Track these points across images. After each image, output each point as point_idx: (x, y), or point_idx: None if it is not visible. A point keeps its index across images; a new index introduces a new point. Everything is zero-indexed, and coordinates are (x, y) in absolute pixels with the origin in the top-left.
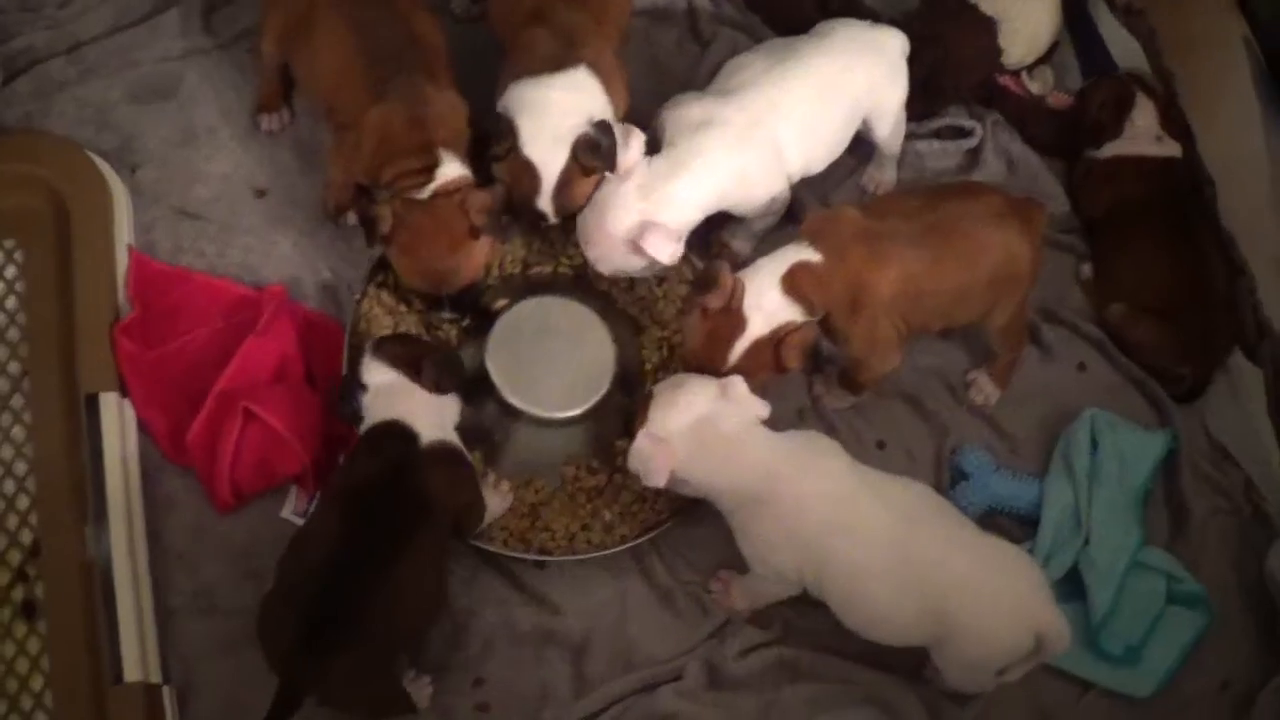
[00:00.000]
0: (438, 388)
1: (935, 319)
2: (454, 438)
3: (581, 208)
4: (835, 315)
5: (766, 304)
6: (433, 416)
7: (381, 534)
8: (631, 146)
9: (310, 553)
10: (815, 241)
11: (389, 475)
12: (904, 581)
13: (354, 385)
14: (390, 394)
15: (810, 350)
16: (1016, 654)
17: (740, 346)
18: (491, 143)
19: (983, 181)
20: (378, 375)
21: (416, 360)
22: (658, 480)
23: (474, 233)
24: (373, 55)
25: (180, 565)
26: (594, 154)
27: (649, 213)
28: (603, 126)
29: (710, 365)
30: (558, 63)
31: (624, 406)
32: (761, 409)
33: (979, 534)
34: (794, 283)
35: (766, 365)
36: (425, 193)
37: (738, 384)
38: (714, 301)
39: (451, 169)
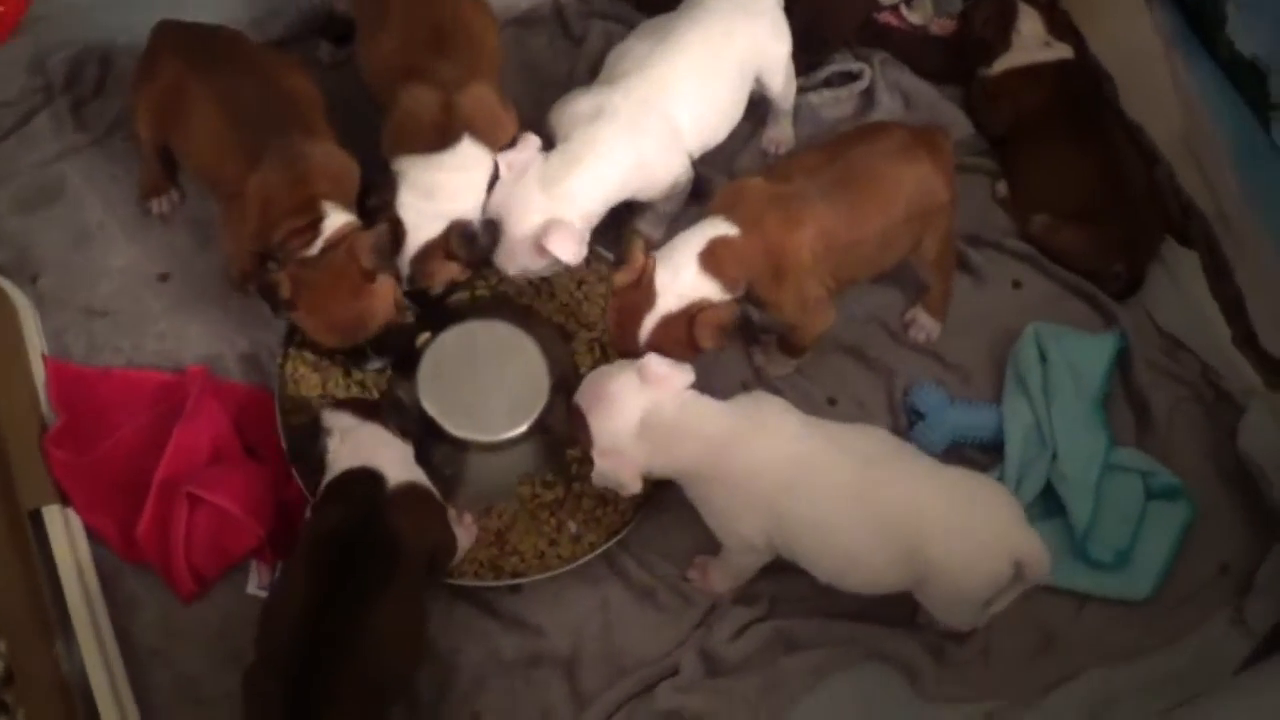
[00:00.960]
0: (402, 432)
1: (863, 268)
2: (420, 476)
3: (434, 287)
4: (760, 286)
5: (681, 281)
6: (396, 457)
7: (354, 582)
8: (526, 146)
9: (284, 615)
10: (729, 214)
11: (357, 520)
12: (872, 527)
13: (317, 429)
14: (355, 438)
15: (726, 330)
16: (998, 583)
17: (650, 323)
18: (371, 194)
19: (880, 121)
20: (340, 420)
21: (374, 407)
22: (633, 487)
23: (369, 275)
24: (243, 122)
25: (156, 662)
26: (466, 245)
27: (552, 210)
28: (488, 226)
29: (624, 343)
30: (442, 134)
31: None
32: (684, 376)
33: (941, 468)
34: (713, 258)
35: (681, 343)
36: (315, 248)
37: (651, 363)
38: (623, 277)
39: (336, 219)
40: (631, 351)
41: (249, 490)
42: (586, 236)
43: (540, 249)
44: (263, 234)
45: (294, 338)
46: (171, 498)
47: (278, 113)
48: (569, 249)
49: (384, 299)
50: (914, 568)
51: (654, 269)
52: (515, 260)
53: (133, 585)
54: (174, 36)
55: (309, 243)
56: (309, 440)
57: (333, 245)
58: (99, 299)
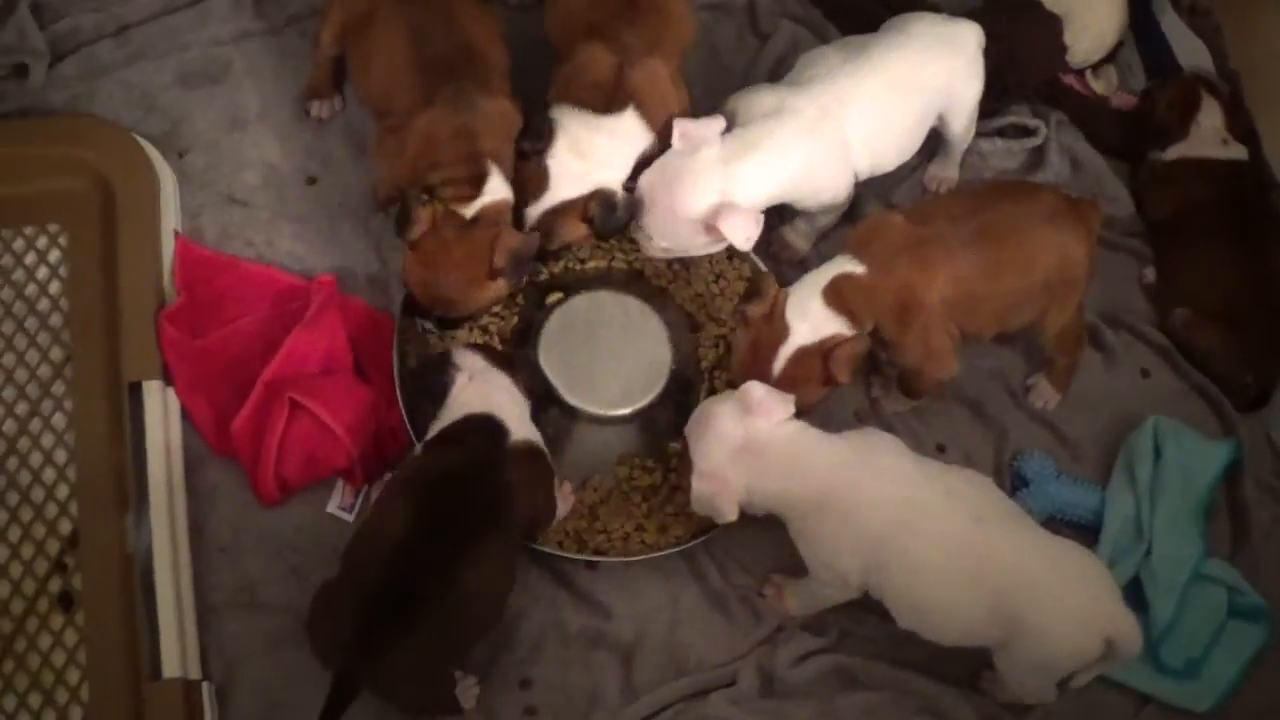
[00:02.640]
0: (528, 389)
1: (988, 324)
2: (538, 437)
3: (550, 245)
4: (885, 326)
5: (811, 315)
6: (518, 412)
7: (456, 527)
8: (710, 126)
9: (379, 539)
10: (859, 252)
11: (472, 467)
12: (972, 580)
13: (446, 364)
14: (484, 384)
15: (860, 363)
16: (1085, 658)
17: (785, 354)
18: (528, 136)
19: (1034, 181)
20: (472, 361)
21: (506, 358)
22: (730, 515)
23: (493, 274)
24: (427, 61)
25: (222, 559)
26: (604, 214)
27: (726, 191)
28: (628, 201)
29: (756, 375)
30: (608, 98)
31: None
32: (785, 407)
33: (1047, 534)
34: (837, 295)
35: (815, 377)
36: (471, 209)
37: (753, 390)
38: (755, 310)
39: (497, 187)
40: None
41: (351, 409)
42: (760, 222)
43: (710, 228)
44: (418, 172)
45: None
46: (273, 399)
47: (461, 63)
48: (743, 232)
49: (485, 299)
50: (1004, 628)
51: (785, 303)
52: (675, 236)
53: (216, 478)
54: None
55: (466, 198)
56: (434, 373)
57: (484, 219)
58: (241, 188)
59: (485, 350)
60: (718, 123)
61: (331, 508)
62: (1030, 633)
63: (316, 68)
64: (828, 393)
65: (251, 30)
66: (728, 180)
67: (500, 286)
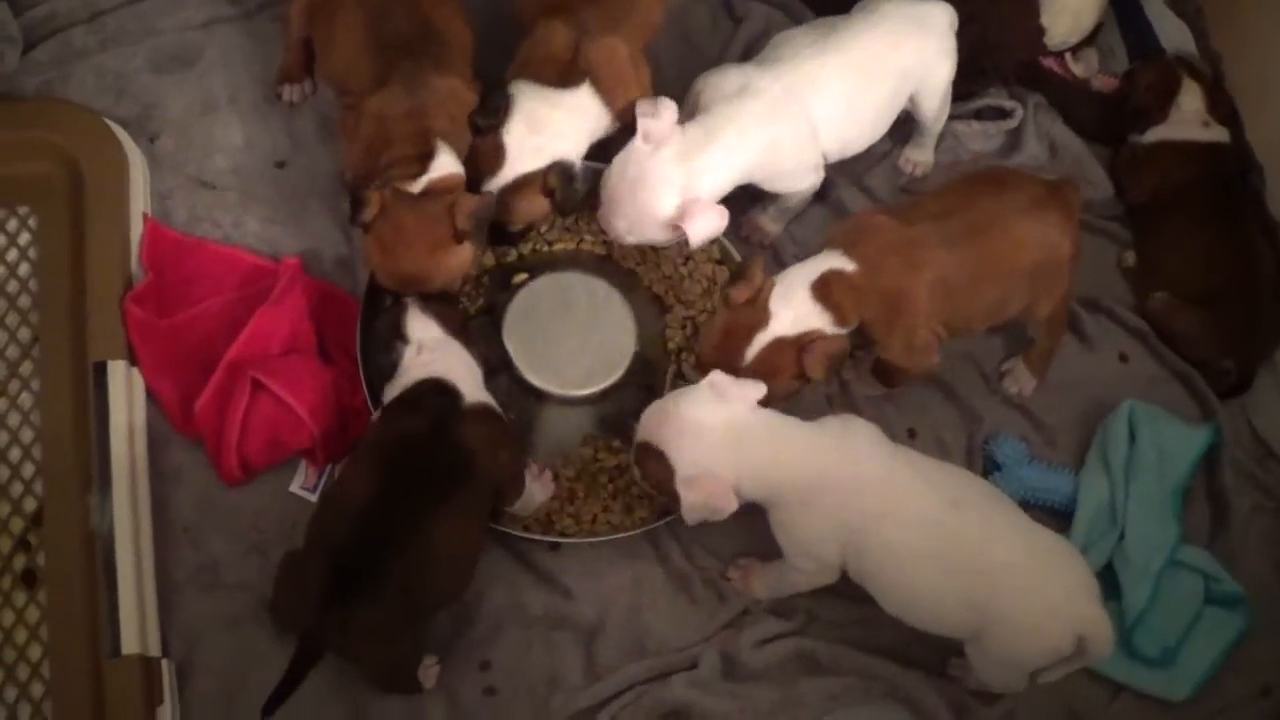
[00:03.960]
0: (483, 358)
1: (977, 321)
2: (492, 401)
3: (513, 222)
4: (872, 325)
5: (795, 305)
6: (472, 379)
7: (419, 488)
8: (663, 116)
9: (343, 505)
10: (849, 249)
11: (430, 430)
12: (950, 566)
13: (396, 334)
14: (434, 351)
15: (837, 363)
16: (1055, 654)
17: (761, 341)
18: (483, 110)
19: (1013, 169)
20: (423, 330)
21: (462, 323)
22: (729, 508)
23: (458, 237)
24: (384, 41)
25: (185, 538)
26: (563, 185)
27: (689, 188)
28: (588, 171)
29: (726, 358)
30: (563, 73)
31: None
32: (756, 390)
33: (1028, 523)
34: (825, 290)
35: (787, 370)
36: (418, 185)
37: (718, 378)
38: (740, 293)
39: (446, 162)
40: (731, 370)
41: (313, 389)
42: (724, 215)
43: (674, 228)
44: (371, 154)
45: None
46: (236, 379)
47: (419, 42)
48: (705, 230)
49: (455, 265)
50: (979, 617)
51: (770, 290)
52: (641, 230)
53: (179, 457)
54: None
55: (413, 176)
56: (382, 345)
57: (434, 191)
58: (211, 171)
59: (440, 315)
60: (669, 110)
61: (294, 487)
62: (1002, 622)
63: (288, 51)
64: (797, 387)
65: (224, 15)
66: (690, 176)
67: (467, 251)
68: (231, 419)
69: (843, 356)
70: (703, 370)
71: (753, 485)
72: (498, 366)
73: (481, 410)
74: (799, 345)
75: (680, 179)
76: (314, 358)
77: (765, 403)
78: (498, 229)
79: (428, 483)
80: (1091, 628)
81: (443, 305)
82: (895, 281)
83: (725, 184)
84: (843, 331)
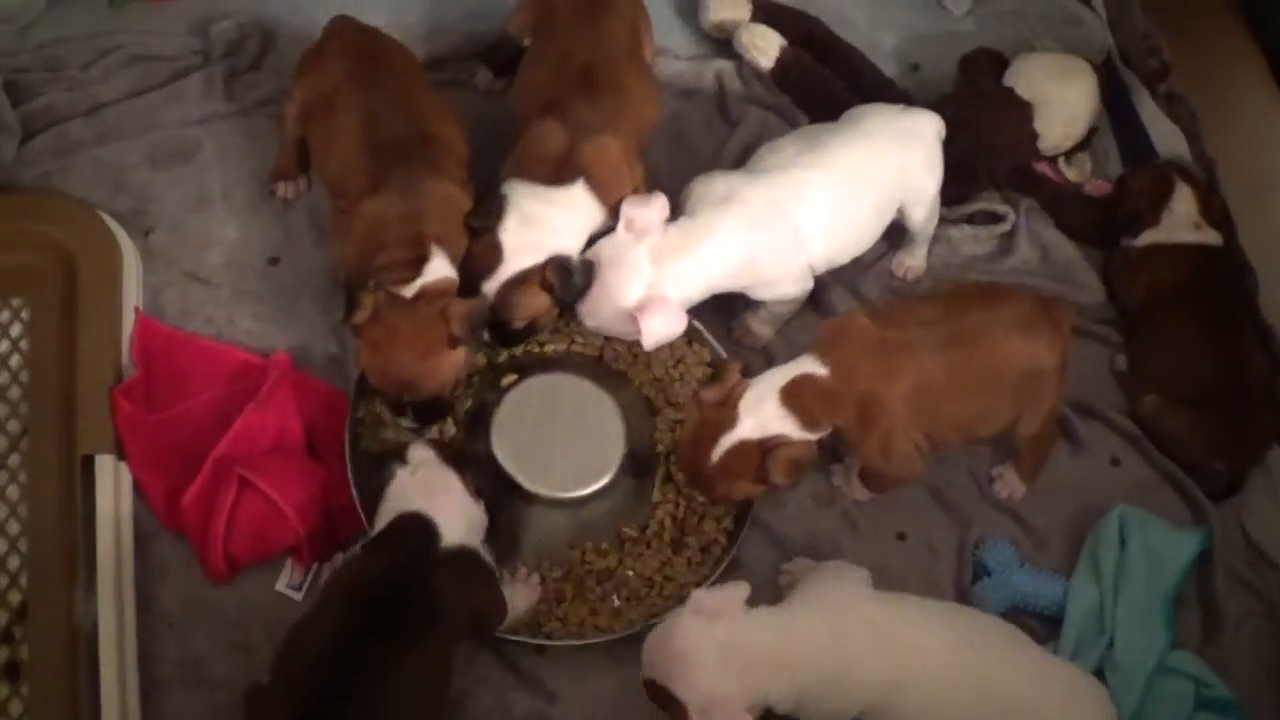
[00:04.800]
0: (476, 489)
1: (955, 433)
2: (477, 544)
3: (514, 320)
4: (846, 431)
5: (762, 409)
6: (460, 518)
7: (386, 634)
8: (653, 208)
9: (309, 644)
10: (824, 354)
11: (403, 574)
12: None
13: (395, 455)
14: (425, 479)
15: (801, 469)
16: None
17: (725, 443)
18: (478, 212)
19: (1006, 284)
20: (420, 454)
21: (461, 456)
22: None
23: (452, 342)
24: (379, 145)
25: (170, 634)
26: (561, 279)
27: (656, 285)
28: (585, 266)
29: (695, 461)
30: (557, 172)
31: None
32: (739, 592)
33: (1045, 658)
34: (795, 395)
35: (750, 473)
36: (411, 289)
37: (700, 598)
38: (711, 394)
39: (439, 266)
40: (700, 473)
41: (300, 486)
42: (683, 321)
43: (631, 319)
44: (365, 255)
45: None
46: (224, 476)
47: (414, 147)
48: (660, 330)
49: (449, 370)
50: None
51: (740, 393)
52: (599, 316)
53: (166, 553)
54: (347, 38)
55: (407, 280)
56: (383, 463)
57: (427, 295)
58: (205, 267)
59: (439, 446)
60: (659, 203)
61: (280, 586)
62: None
63: (283, 149)
64: (763, 491)
65: (221, 112)
66: (660, 275)
67: (460, 356)
68: (218, 516)
69: (807, 462)
70: (679, 467)
71: (774, 692)
72: (484, 481)
73: (458, 554)
74: (763, 449)
75: (649, 274)
76: (302, 456)
77: (735, 504)
78: (501, 328)
79: (397, 627)
80: None
81: (444, 444)
82: (869, 386)
83: (696, 291)
84: (810, 437)
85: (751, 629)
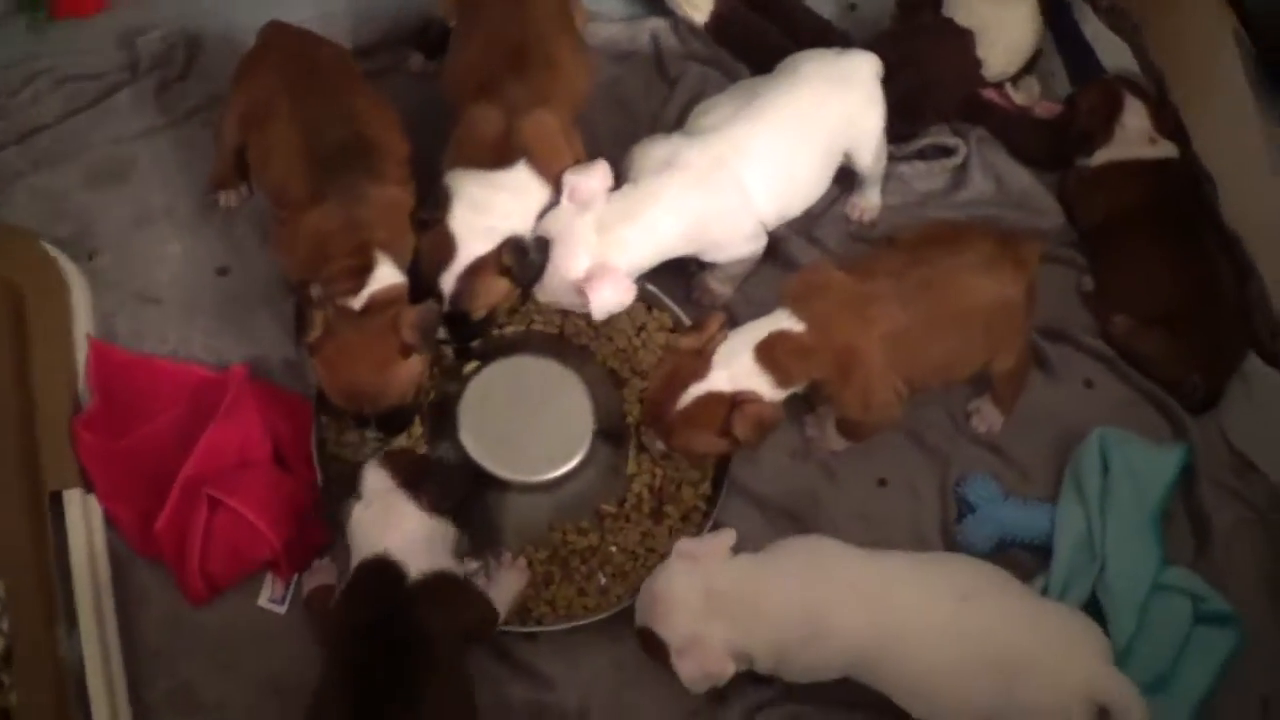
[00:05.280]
0: (435, 508)
1: (933, 378)
2: (447, 562)
3: (477, 308)
4: (825, 384)
5: (736, 364)
6: (421, 545)
7: (397, 681)
8: (595, 177)
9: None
10: (798, 308)
11: (382, 618)
12: (967, 669)
13: (351, 488)
14: (378, 513)
15: (765, 429)
16: None
17: (694, 392)
18: (424, 206)
19: (969, 224)
20: (375, 482)
21: (418, 478)
22: (728, 671)
23: (405, 350)
24: (319, 154)
25: (156, 662)
26: (518, 258)
27: (602, 255)
28: (540, 243)
29: (660, 407)
30: (498, 155)
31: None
32: (725, 540)
33: (1036, 600)
34: (770, 352)
35: (713, 426)
36: (359, 300)
37: (684, 545)
38: (688, 341)
39: (386, 273)
40: (662, 419)
41: (272, 500)
42: (632, 290)
43: (580, 291)
44: (310, 267)
45: None
46: (194, 497)
47: (354, 154)
48: (608, 300)
49: (406, 379)
50: (1003, 706)
51: (719, 344)
52: (549, 290)
53: (144, 580)
54: (282, 44)
55: (353, 290)
56: (340, 498)
57: (377, 305)
58: (153, 285)
59: (396, 464)
60: (601, 171)
61: (262, 601)
62: (1025, 712)
63: (220, 157)
64: (725, 447)
65: (154, 125)
66: (606, 245)
67: (416, 364)
68: (192, 538)
69: (773, 423)
70: (643, 410)
71: (751, 642)
72: (457, 460)
73: (430, 582)
74: (731, 403)
75: (596, 245)
76: (269, 467)
77: (694, 460)
78: (460, 321)
79: (401, 671)
80: (1117, 700)
81: (404, 460)
82: (846, 339)
83: (645, 258)
84: (780, 396)
85: (732, 575)
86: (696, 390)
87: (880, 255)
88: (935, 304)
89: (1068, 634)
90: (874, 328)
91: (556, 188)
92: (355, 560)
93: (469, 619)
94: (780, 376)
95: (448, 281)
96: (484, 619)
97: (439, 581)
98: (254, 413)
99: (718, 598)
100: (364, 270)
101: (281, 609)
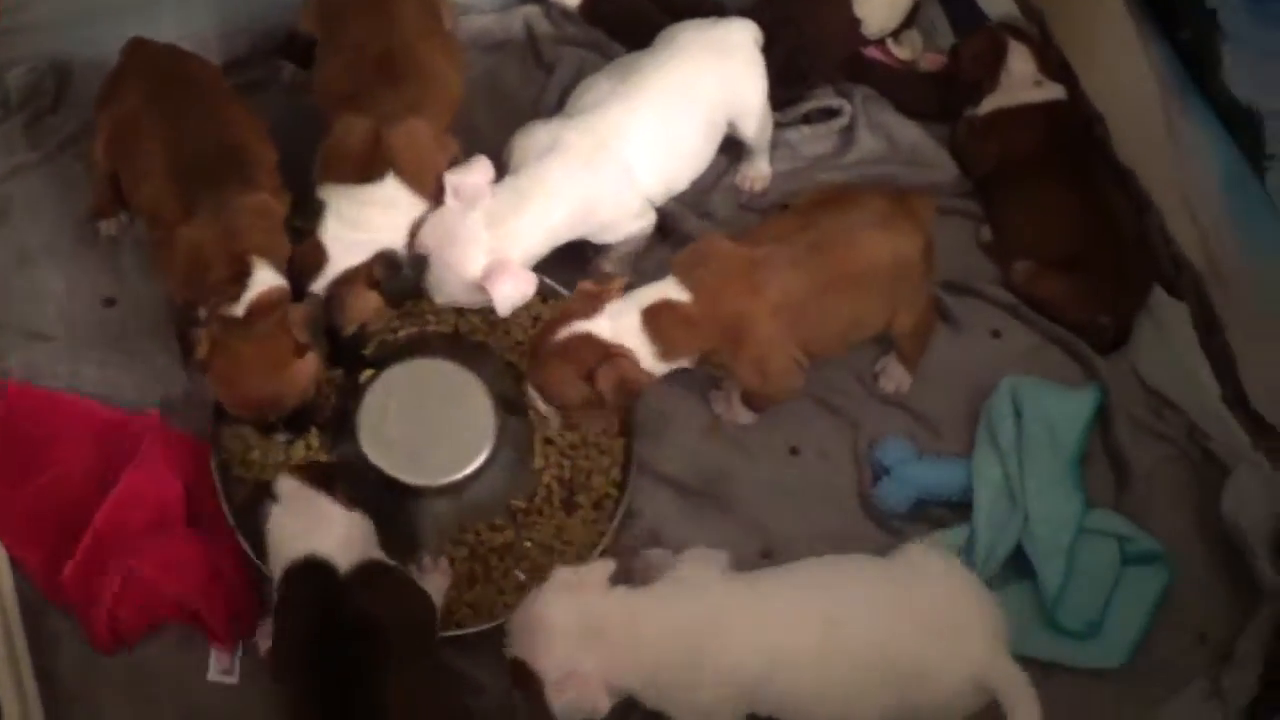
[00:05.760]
0: (351, 501)
1: (834, 342)
2: (375, 551)
3: (345, 323)
4: (717, 355)
5: (623, 320)
6: (346, 537)
7: (359, 682)
8: (475, 172)
9: None
10: (686, 277)
11: (320, 620)
12: (852, 690)
13: (262, 495)
14: (297, 513)
15: (627, 389)
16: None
17: (571, 329)
18: (298, 213)
19: (861, 187)
20: (287, 488)
21: (329, 479)
22: (604, 707)
23: (298, 350)
24: (186, 169)
25: (77, 706)
26: (389, 272)
27: (497, 249)
28: (415, 259)
29: (540, 337)
30: (364, 169)
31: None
32: (601, 570)
33: (909, 595)
34: (655, 320)
35: (580, 368)
36: (240, 307)
37: (563, 573)
38: (588, 285)
39: (265, 277)
40: (538, 348)
41: (195, 566)
42: (533, 281)
43: (480, 289)
44: (190, 284)
45: None
46: (105, 557)
47: (220, 165)
48: (512, 294)
49: (304, 377)
50: (899, 707)
51: (612, 296)
52: (448, 292)
53: (56, 624)
54: (143, 60)
55: (233, 299)
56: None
57: (260, 311)
58: (40, 322)
59: (307, 471)
60: (485, 169)
61: (212, 675)
62: (921, 709)
63: (96, 185)
64: (584, 399)
65: (26, 163)
66: (500, 239)
67: (311, 361)
68: (101, 595)
69: (635, 390)
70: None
71: (629, 675)
72: (361, 471)
73: (364, 570)
74: (603, 353)
75: (489, 240)
76: (183, 531)
77: (568, 418)
78: (333, 340)
79: (359, 670)
80: (1005, 692)
81: (309, 469)
82: (735, 308)
83: (538, 247)
84: (661, 368)
85: (609, 607)
86: (576, 327)
87: (771, 222)
88: (829, 265)
89: (951, 626)
90: (764, 295)
91: (433, 198)
92: (279, 569)
93: (410, 605)
94: (664, 347)
95: (317, 290)
96: (424, 605)
97: (371, 570)
98: (167, 465)
99: (595, 629)
100: (241, 277)
101: (233, 679)
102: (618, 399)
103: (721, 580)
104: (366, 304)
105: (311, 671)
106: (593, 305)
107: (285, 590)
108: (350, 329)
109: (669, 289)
